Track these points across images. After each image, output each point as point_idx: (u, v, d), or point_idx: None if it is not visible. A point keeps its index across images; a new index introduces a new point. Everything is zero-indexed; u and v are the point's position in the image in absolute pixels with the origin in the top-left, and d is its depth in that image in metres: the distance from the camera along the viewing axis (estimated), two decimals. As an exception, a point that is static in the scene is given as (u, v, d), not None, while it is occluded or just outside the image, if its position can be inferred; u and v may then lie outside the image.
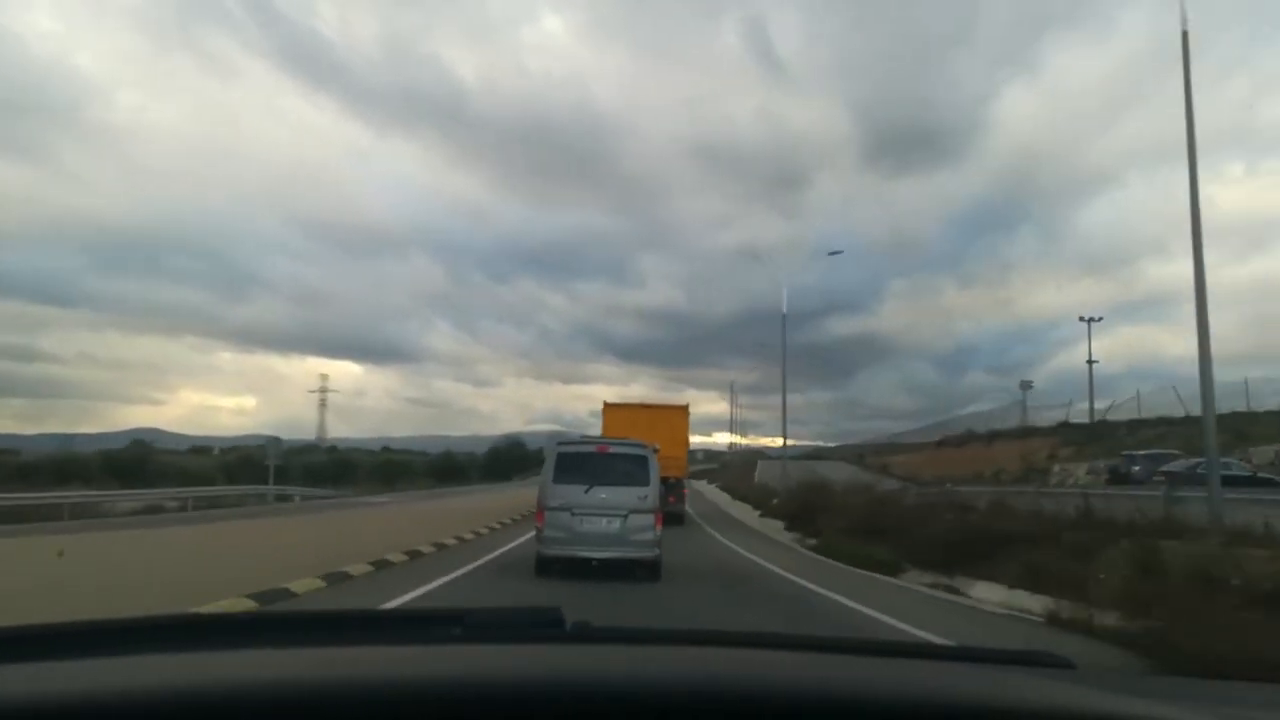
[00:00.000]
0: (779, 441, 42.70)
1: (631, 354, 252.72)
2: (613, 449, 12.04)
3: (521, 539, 17.82)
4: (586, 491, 11.30)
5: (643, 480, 11.53)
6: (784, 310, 35.85)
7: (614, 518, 11.28)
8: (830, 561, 17.20)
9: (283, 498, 35.27)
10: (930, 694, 1.12)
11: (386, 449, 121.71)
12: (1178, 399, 38.18)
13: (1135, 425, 38.72)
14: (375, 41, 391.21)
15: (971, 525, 15.18)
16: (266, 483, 35.09)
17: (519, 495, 40.28)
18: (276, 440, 36.06)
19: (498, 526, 21.09)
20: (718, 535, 22.86)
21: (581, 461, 11.64)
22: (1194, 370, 13.96)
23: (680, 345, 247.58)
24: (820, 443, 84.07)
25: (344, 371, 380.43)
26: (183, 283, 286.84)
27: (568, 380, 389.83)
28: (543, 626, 1.46)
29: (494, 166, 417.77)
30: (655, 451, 12.16)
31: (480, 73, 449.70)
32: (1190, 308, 13.49)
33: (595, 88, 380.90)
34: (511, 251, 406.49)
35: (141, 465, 61.20)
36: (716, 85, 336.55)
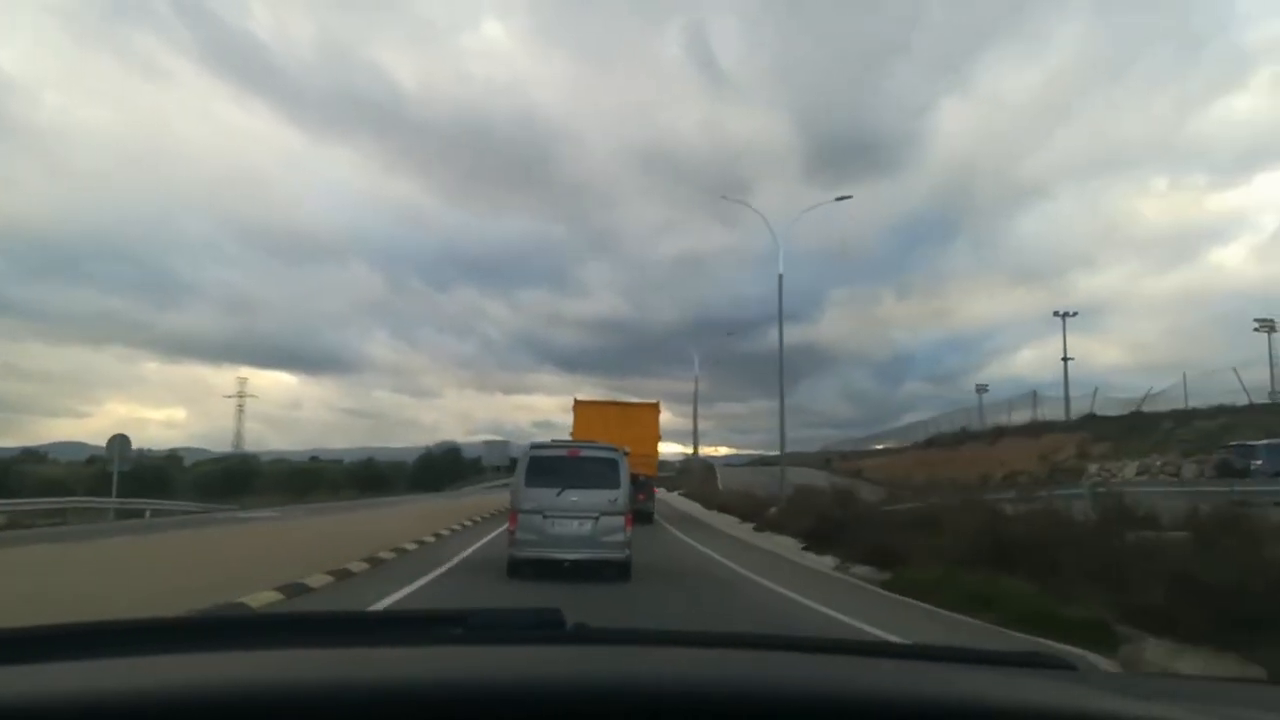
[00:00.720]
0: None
1: (574, 363, 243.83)
2: (584, 452, 12.11)
3: (403, 590, 10.36)
4: (558, 494, 11.27)
5: (613, 483, 11.52)
6: (780, 270, 29.03)
7: (585, 520, 11.25)
8: (940, 611, 10.17)
9: (131, 513, 27.00)
10: (932, 695, 1.10)
11: (315, 459, 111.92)
12: (1240, 385, 32.43)
13: (1185, 416, 32.89)
14: (311, 45, 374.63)
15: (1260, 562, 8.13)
16: (110, 494, 26.76)
17: (445, 508, 32.50)
18: (123, 440, 27.35)
19: (387, 557, 13.51)
20: (730, 562, 15.57)
21: (553, 465, 11.61)
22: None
23: (623, 355, 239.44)
24: (764, 451, 79.00)
25: (278, 382, 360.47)
26: (110, 291, 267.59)
27: (509, 391, 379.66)
28: (544, 627, 1.44)
29: (434, 173, 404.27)
30: (625, 455, 12.09)
31: (420, 78, 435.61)
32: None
33: (537, 94, 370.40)
34: (452, 259, 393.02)
35: (2, 478, 53.17)
36: (659, 93, 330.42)
